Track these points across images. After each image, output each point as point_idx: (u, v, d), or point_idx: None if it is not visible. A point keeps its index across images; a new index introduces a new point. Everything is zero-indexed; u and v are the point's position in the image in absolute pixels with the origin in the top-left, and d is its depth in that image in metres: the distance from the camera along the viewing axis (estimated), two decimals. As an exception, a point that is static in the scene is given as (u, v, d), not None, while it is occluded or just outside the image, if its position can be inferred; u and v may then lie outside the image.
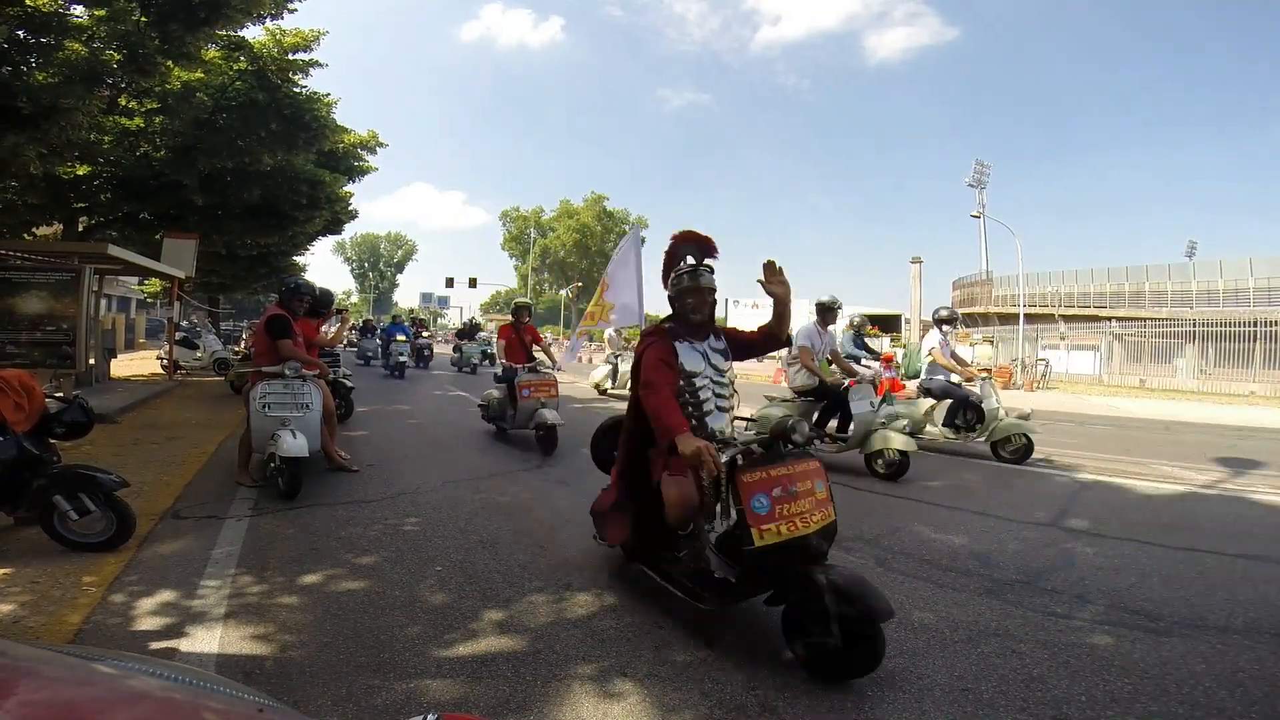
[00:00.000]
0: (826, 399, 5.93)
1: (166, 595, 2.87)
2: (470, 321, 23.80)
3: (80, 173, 11.70)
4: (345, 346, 16.68)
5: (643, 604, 2.88)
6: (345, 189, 18.05)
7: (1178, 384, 17.60)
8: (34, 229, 13.49)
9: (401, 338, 15.23)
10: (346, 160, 17.01)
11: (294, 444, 4.46)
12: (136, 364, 15.47)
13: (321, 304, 6.34)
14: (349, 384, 8.05)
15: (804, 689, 2.20)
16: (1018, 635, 2.63)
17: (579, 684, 2.20)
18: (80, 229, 13.12)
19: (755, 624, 2.69)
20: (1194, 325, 18.63)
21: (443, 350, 25.26)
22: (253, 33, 11.19)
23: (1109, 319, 22.47)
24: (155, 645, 2.44)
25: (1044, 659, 2.43)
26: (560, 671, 2.28)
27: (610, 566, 3.32)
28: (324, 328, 6.44)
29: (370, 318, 28.23)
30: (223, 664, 2.28)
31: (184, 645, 2.42)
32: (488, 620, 2.68)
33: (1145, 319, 21.20)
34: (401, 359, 14.95)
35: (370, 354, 18.03)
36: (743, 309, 47.47)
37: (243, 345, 12.75)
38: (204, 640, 2.46)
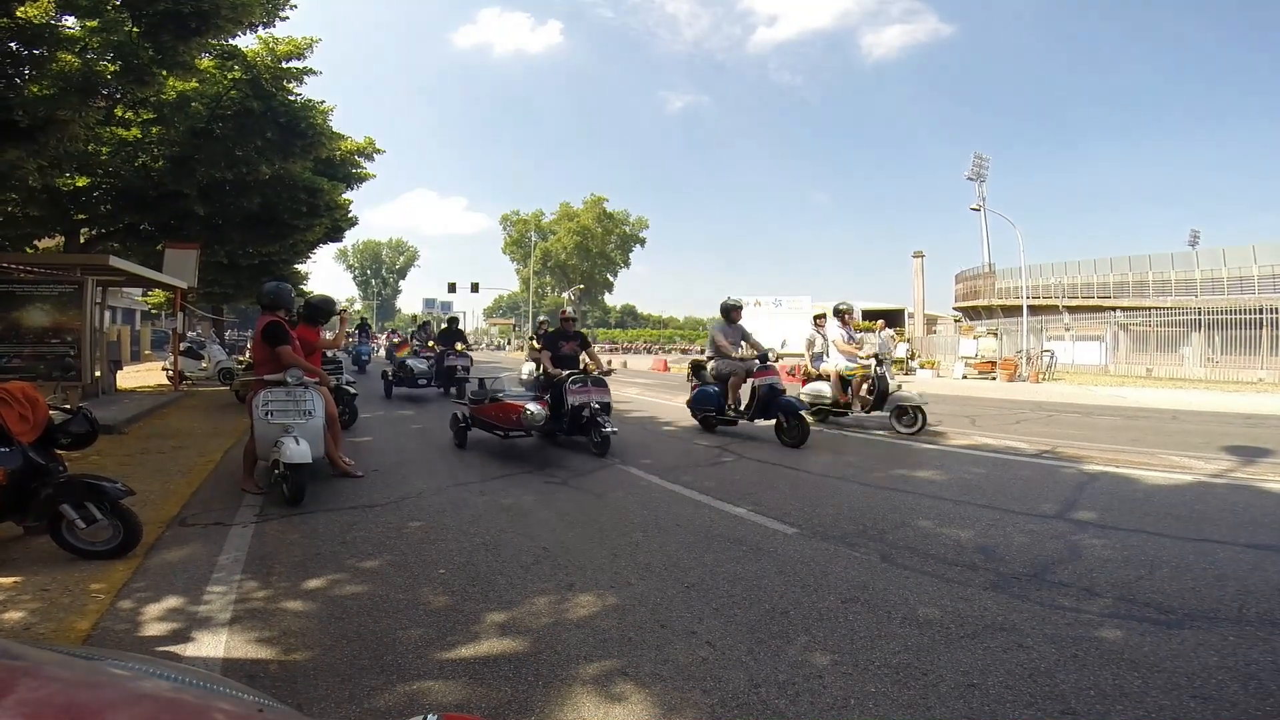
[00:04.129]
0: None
1: (173, 601, 2.89)
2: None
3: (80, 184, 11.77)
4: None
5: (645, 603, 2.87)
6: (344, 196, 18.09)
7: (1185, 373, 17.46)
8: (36, 242, 13.59)
9: None
10: (344, 168, 17.07)
11: (297, 450, 4.47)
12: (142, 375, 15.55)
13: (322, 313, 6.37)
14: (352, 390, 8.07)
15: (807, 687, 2.18)
16: (1024, 629, 2.61)
17: (580, 684, 2.20)
18: (82, 241, 13.20)
19: (758, 624, 2.68)
20: (1200, 313, 18.51)
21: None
22: (246, 41, 11.23)
23: (1113, 309, 22.37)
24: (162, 650, 2.44)
25: (1051, 653, 2.41)
26: (562, 672, 2.27)
27: (613, 566, 3.32)
28: (324, 333, 6.48)
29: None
30: (228, 668, 2.28)
31: (190, 650, 2.43)
32: (490, 622, 2.68)
33: (1150, 308, 21.06)
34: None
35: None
36: (746, 308, 47.35)
37: (246, 354, 12.60)
38: (210, 645, 2.47)
